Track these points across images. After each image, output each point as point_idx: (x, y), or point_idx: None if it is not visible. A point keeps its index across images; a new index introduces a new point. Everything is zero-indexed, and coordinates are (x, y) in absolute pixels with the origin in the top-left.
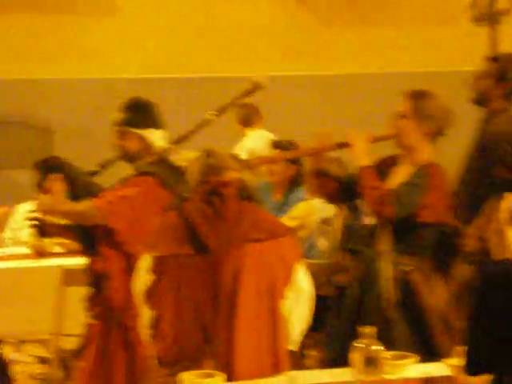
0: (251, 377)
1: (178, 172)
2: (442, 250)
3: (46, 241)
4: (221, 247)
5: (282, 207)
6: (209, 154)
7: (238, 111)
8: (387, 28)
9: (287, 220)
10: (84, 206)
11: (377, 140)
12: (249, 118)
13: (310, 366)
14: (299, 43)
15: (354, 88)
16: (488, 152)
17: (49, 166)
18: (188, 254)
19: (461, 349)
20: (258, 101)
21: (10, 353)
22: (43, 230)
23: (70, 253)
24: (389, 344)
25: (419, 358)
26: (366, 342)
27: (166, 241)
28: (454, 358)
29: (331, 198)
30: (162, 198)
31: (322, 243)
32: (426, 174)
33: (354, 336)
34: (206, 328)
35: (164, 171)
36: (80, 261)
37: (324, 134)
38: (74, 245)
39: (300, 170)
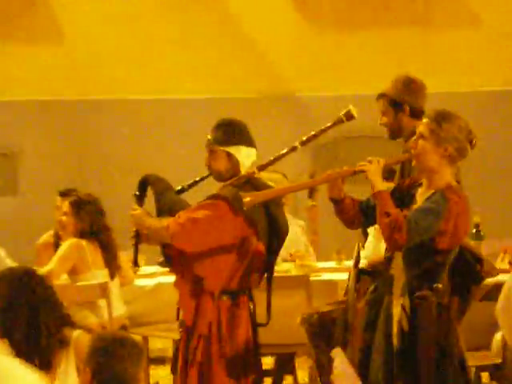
0: None
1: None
2: (459, 277)
3: None
4: None
5: None
6: None
7: None
8: None
9: None
10: (160, 224)
11: (390, 164)
12: None
13: None
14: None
15: None
16: None
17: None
18: None
19: None
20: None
21: None
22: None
23: None
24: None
25: None
26: None
27: None
28: None
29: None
30: (231, 222)
31: None
32: (443, 198)
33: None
34: None
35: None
36: None
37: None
38: None
39: None
